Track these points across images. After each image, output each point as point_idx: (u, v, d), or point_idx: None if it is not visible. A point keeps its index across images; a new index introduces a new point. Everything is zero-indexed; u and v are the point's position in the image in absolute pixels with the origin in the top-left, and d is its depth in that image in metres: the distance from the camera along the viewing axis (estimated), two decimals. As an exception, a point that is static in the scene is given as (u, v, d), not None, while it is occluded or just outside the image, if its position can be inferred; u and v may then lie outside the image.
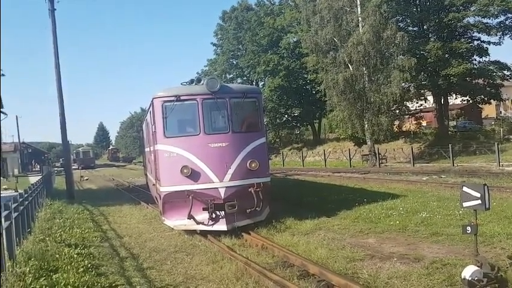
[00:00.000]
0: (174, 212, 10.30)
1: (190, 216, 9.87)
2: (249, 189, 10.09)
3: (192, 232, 10.21)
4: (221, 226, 9.88)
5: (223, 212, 9.88)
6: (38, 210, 14.17)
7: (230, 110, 10.31)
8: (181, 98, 10.18)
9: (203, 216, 9.95)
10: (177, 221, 10.26)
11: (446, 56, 32.77)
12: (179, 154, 10.01)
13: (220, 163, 9.95)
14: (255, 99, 11.07)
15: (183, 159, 9.94)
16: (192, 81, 10.90)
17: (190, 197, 9.77)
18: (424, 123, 44.41)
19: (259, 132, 10.84)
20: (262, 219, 10.51)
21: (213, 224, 9.93)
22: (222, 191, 9.87)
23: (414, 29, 36.76)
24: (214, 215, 9.89)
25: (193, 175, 9.85)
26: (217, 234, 9.90)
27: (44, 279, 6.38)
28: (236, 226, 9.95)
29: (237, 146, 10.21)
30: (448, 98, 37.55)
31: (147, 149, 15.82)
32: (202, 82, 10.44)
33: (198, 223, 9.98)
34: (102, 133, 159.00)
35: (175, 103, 10.13)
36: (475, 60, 34.85)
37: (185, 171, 9.79)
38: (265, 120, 11.82)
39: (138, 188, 25.33)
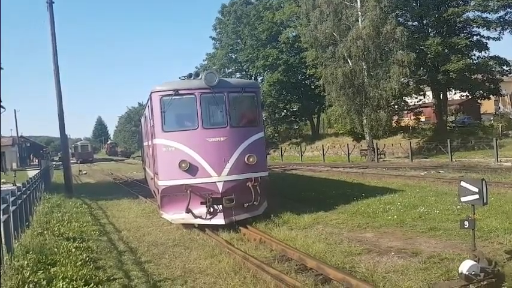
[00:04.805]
0: (172, 206, 10.30)
1: (188, 210, 9.88)
2: (247, 184, 10.09)
3: (190, 226, 10.23)
4: (219, 220, 9.89)
5: (221, 206, 9.89)
6: (36, 204, 14.16)
7: (228, 104, 10.27)
8: (180, 92, 10.14)
9: (201, 210, 9.96)
10: (175, 215, 10.27)
11: (446, 51, 32.70)
12: (177, 148, 9.99)
13: (218, 157, 9.94)
14: (253, 94, 11.03)
15: (181, 153, 9.93)
16: (190, 76, 10.84)
17: (188, 191, 9.76)
18: (422, 119, 44.43)
19: (257, 126, 10.81)
20: (259, 214, 10.52)
21: (210, 218, 9.94)
22: (219, 185, 9.87)
23: (414, 24, 36.72)
24: (212, 209, 9.90)
25: (191, 169, 9.84)
26: (215, 228, 9.91)
27: (42, 273, 6.39)
28: (234, 220, 9.97)
29: (235, 141, 10.19)
30: (447, 93, 37.53)
31: (145, 143, 15.79)
32: (200, 76, 10.39)
33: (196, 217, 9.98)
34: (100, 127, 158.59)
35: (173, 97, 10.09)
36: (475, 55, 34.85)
37: (183, 165, 9.78)
38: (263, 115, 11.80)
39: (136, 182, 25.32)
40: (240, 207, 10.11)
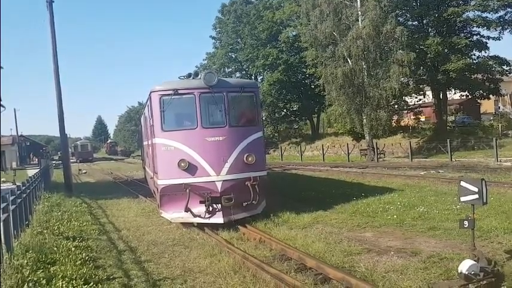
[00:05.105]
0: (171, 205, 10.32)
1: (187, 209, 9.91)
2: (246, 183, 10.11)
3: (189, 225, 10.24)
4: (218, 219, 9.92)
5: (219, 205, 9.92)
6: (36, 203, 14.16)
7: (227, 104, 10.29)
8: (179, 91, 10.16)
9: (200, 209, 9.99)
10: (175, 214, 10.29)
11: (446, 51, 32.69)
12: (177, 148, 10.02)
13: (217, 157, 9.97)
14: (252, 94, 11.06)
15: (181, 152, 9.95)
16: (189, 75, 10.84)
17: (187, 190, 9.78)
18: (422, 118, 44.41)
19: (256, 126, 10.84)
20: (258, 213, 10.57)
21: (209, 217, 9.97)
22: (218, 185, 9.90)
23: (414, 23, 36.70)
24: (211, 208, 9.93)
25: (191, 168, 9.86)
26: (215, 227, 9.92)
27: (42, 272, 6.38)
28: (232, 219, 9.99)
29: (234, 140, 10.21)
30: (447, 93, 37.51)
31: (145, 143, 15.80)
32: (199, 76, 10.41)
33: (195, 216, 10.01)
34: (100, 126, 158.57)
35: (172, 97, 10.11)
36: (474, 55, 34.83)
37: (182, 164, 9.81)
38: (263, 114, 11.81)
39: (136, 181, 25.31)
40: (239, 206, 10.14)
